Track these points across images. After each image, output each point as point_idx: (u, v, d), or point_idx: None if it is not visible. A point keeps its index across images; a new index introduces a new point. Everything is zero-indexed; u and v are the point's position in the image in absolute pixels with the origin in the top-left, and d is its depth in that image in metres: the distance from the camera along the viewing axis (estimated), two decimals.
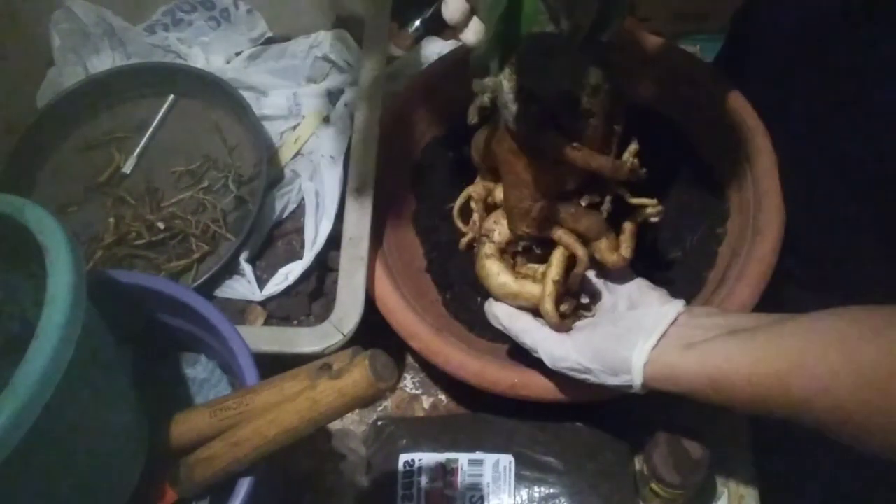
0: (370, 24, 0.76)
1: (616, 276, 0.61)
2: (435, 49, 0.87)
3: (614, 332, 0.56)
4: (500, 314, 0.60)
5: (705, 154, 0.75)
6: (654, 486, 0.61)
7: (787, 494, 0.71)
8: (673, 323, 0.54)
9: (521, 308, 0.60)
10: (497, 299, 0.61)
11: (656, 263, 0.70)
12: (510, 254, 0.61)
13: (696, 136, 0.76)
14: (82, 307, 0.42)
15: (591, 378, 0.56)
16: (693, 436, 0.60)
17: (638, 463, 0.65)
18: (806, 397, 0.47)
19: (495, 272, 0.59)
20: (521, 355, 0.62)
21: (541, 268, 0.59)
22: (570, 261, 0.57)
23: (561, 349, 0.56)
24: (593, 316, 0.59)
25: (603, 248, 0.58)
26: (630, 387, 0.54)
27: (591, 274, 0.61)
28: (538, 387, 0.61)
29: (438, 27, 0.92)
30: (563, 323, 0.57)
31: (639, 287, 0.60)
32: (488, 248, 0.60)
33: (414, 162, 0.78)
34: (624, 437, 0.65)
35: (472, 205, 0.62)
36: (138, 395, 0.52)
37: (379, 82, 0.73)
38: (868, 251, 0.64)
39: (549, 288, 0.57)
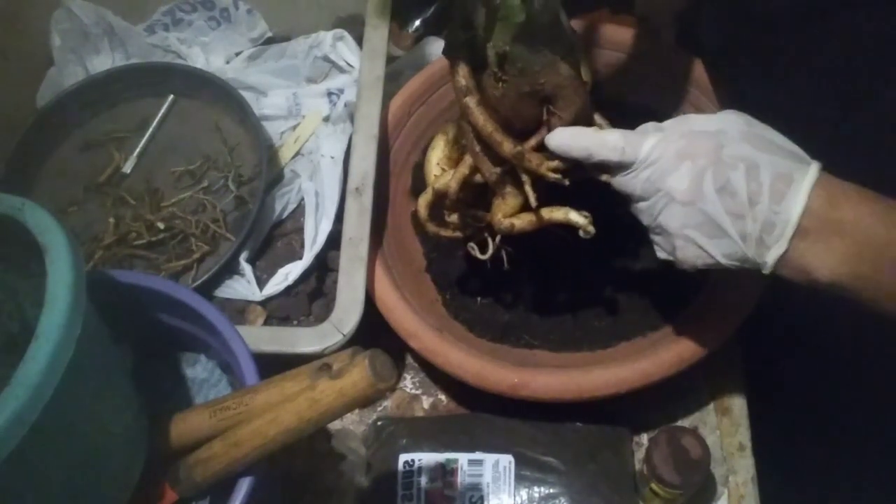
0: (370, 23, 0.76)
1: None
2: (435, 49, 0.87)
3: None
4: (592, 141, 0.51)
5: None
6: (654, 486, 0.61)
7: (787, 495, 0.71)
8: None
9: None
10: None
11: (656, 262, 0.70)
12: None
13: None
14: (82, 307, 0.42)
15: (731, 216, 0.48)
16: (693, 436, 0.60)
17: (638, 463, 0.65)
18: None
19: (434, 145, 0.62)
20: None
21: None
22: (466, 179, 0.57)
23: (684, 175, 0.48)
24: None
25: (496, 203, 0.56)
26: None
27: None
28: (538, 387, 0.61)
29: (438, 27, 0.92)
30: (428, 224, 0.59)
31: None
32: (450, 131, 0.61)
33: (414, 162, 0.78)
34: (624, 438, 0.65)
35: None
36: (138, 395, 0.52)
37: (379, 82, 0.73)
38: None
39: (428, 193, 0.59)
